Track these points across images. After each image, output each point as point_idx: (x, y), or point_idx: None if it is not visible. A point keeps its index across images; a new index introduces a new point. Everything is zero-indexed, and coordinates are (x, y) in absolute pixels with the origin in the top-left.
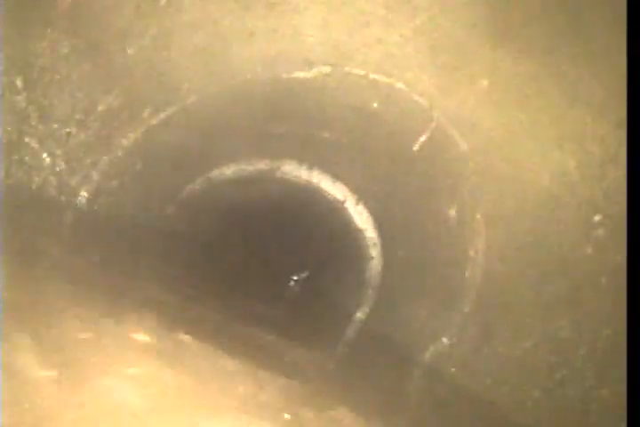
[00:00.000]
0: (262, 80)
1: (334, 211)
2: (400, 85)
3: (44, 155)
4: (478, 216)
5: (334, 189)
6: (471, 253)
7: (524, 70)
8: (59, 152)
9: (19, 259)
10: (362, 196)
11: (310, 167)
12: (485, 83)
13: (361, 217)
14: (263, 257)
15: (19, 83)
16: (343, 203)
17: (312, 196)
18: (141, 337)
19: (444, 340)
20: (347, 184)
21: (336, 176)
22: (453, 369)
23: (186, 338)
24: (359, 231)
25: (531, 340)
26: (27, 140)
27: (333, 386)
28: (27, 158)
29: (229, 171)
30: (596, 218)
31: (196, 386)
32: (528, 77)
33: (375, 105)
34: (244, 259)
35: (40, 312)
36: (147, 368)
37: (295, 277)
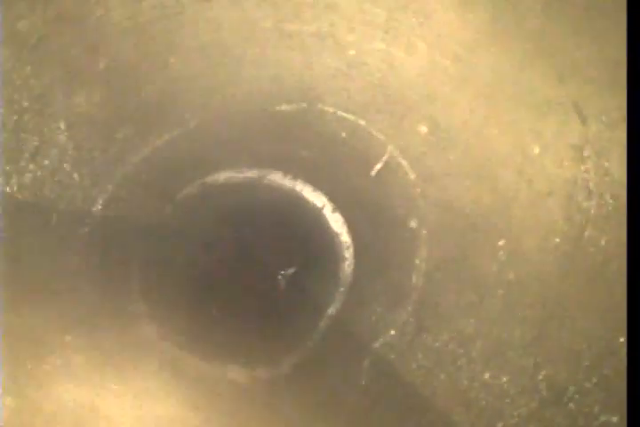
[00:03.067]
0: (252, 111)
1: (314, 216)
2: (362, 122)
3: (75, 175)
4: (424, 231)
5: (314, 197)
6: (417, 261)
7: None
8: (85, 171)
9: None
10: (338, 204)
11: (294, 178)
12: (425, 129)
13: (337, 223)
14: (252, 254)
15: (62, 125)
16: (321, 209)
17: (295, 202)
18: None
19: (392, 332)
20: (325, 193)
21: (316, 186)
22: (393, 356)
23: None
24: (335, 235)
25: (461, 333)
26: (65, 165)
27: (302, 370)
28: (62, 178)
29: (222, 177)
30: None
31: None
32: (462, 124)
33: (343, 135)
34: (236, 254)
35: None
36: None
37: (282, 272)
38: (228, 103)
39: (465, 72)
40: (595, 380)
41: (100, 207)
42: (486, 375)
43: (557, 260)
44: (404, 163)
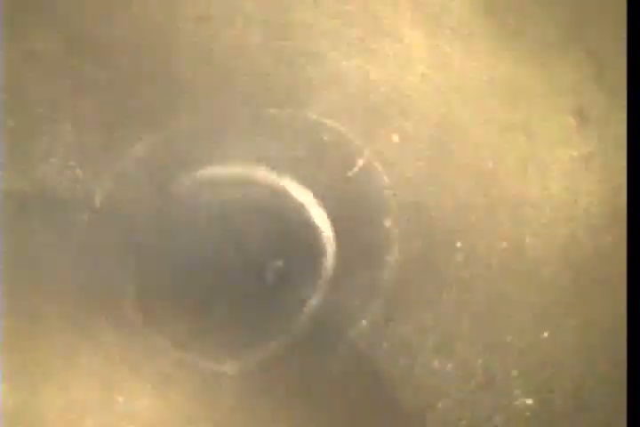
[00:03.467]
0: (243, 113)
1: (299, 211)
2: (342, 128)
3: (78, 170)
4: (396, 231)
5: (300, 194)
6: (388, 258)
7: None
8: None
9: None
10: (321, 200)
11: (280, 174)
12: (397, 138)
13: (320, 218)
14: (242, 247)
15: (68, 126)
16: (306, 205)
17: (281, 197)
18: None
19: (364, 322)
20: (310, 190)
21: (302, 183)
22: (362, 345)
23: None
24: (318, 229)
25: (421, 325)
26: (71, 163)
27: (286, 355)
28: (69, 176)
29: (212, 172)
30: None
31: None
32: (429, 136)
33: (325, 138)
34: (226, 245)
35: None
36: None
37: (272, 265)
38: (220, 106)
39: (432, 89)
40: (519, 369)
41: (97, 201)
42: (435, 363)
43: (503, 261)
44: (379, 167)
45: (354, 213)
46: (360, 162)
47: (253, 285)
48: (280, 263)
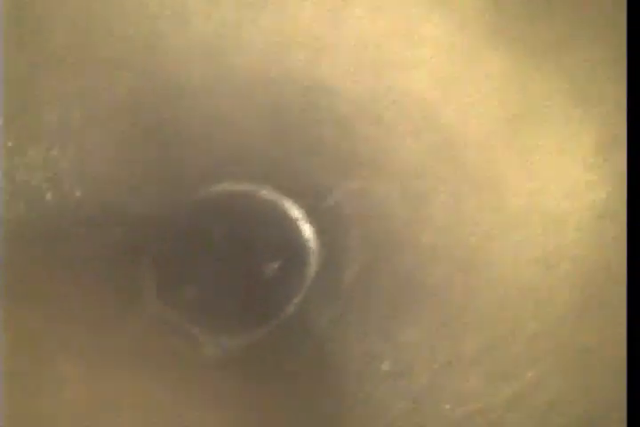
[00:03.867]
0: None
1: (292, 224)
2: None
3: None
4: (357, 242)
5: (292, 209)
6: (348, 273)
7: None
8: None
9: None
10: (310, 216)
11: (284, 194)
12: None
13: (309, 231)
14: (245, 249)
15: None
16: (298, 220)
17: (278, 212)
18: None
19: (327, 320)
20: (300, 207)
21: (294, 200)
22: (327, 338)
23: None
24: (306, 240)
25: (373, 323)
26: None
27: (269, 341)
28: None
29: (218, 189)
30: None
31: None
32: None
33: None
34: (229, 251)
35: None
36: None
37: (268, 265)
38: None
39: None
40: (439, 362)
41: (101, 211)
42: (376, 348)
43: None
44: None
45: (334, 228)
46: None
47: (254, 282)
48: (277, 265)
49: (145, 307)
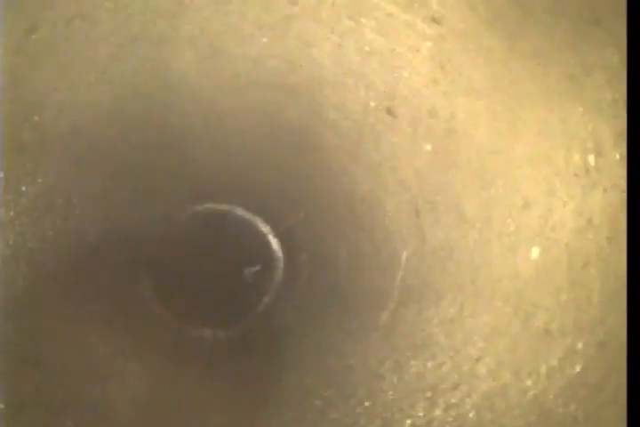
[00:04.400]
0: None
1: (262, 238)
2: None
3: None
4: (305, 258)
5: (263, 226)
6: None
7: None
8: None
9: None
10: (277, 231)
11: (251, 211)
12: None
13: (276, 244)
14: (226, 258)
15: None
16: (267, 235)
17: (250, 228)
18: None
19: (288, 313)
20: (270, 224)
21: (264, 219)
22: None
23: None
24: (274, 252)
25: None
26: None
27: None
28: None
29: (194, 210)
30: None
31: None
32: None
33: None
34: (214, 259)
35: None
36: None
37: (248, 269)
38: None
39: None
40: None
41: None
42: (332, 340)
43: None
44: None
45: (300, 243)
46: (301, 214)
47: (235, 284)
48: (257, 269)
49: (143, 306)
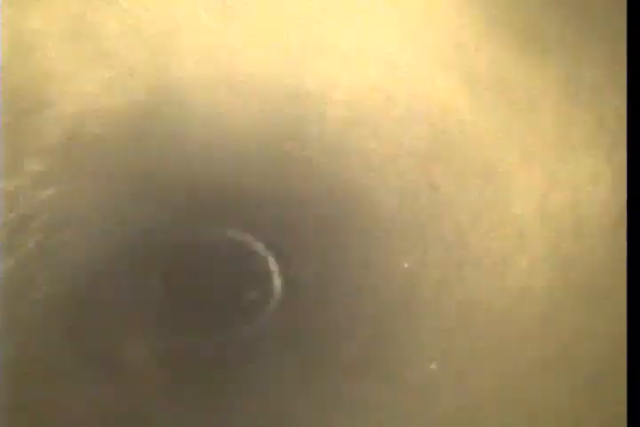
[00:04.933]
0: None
1: (255, 256)
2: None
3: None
4: (290, 274)
5: (257, 246)
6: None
7: None
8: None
9: None
10: (271, 250)
11: (251, 234)
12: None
13: (271, 262)
14: (225, 277)
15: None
16: (261, 253)
17: (245, 248)
18: None
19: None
20: (264, 243)
21: (259, 239)
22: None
23: None
24: (271, 271)
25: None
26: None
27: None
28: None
29: (191, 235)
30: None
31: None
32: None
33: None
34: (213, 276)
35: None
36: None
37: (247, 292)
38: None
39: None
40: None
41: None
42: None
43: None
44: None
45: (291, 262)
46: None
47: (235, 296)
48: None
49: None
